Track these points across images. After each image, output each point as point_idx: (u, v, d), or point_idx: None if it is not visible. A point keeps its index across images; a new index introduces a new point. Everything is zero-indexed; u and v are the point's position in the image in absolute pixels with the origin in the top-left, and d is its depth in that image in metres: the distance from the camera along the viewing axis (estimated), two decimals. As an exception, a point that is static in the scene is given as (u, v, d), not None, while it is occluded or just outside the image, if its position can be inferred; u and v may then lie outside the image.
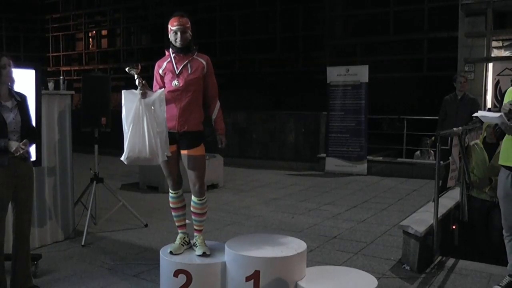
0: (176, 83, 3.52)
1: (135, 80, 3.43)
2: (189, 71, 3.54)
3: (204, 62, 3.61)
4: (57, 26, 25.32)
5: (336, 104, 10.24)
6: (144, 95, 3.40)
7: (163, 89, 3.52)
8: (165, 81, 3.60)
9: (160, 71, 3.61)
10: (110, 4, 23.10)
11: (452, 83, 7.25)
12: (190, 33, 3.56)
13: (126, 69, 3.42)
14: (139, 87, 3.42)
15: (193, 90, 3.55)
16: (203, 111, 3.66)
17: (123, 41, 23.24)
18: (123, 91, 3.44)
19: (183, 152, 3.60)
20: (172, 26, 3.52)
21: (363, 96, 9.94)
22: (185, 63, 3.55)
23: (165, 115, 3.43)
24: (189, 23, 3.55)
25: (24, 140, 3.39)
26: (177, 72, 3.53)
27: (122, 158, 3.41)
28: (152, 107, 3.38)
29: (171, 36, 3.55)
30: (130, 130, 3.36)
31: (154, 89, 3.63)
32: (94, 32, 24.54)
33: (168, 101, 3.53)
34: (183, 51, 3.55)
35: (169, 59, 3.61)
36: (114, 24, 23.50)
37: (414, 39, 15.13)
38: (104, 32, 24.27)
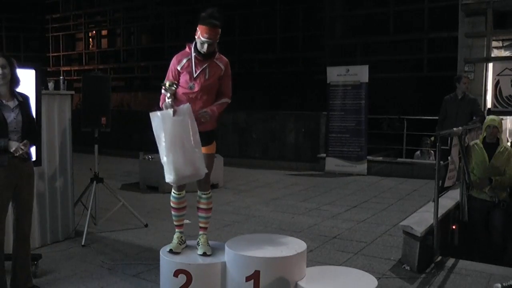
0: (192, 86, 3.49)
1: (167, 97, 3.38)
2: (206, 76, 3.50)
3: (222, 67, 3.56)
4: (57, 26, 25.32)
5: (336, 104, 10.24)
6: (175, 112, 3.35)
7: (188, 104, 3.42)
8: (180, 79, 3.55)
9: (179, 67, 3.54)
10: (110, 4, 23.10)
11: (452, 83, 7.24)
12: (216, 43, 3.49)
13: (167, 84, 3.37)
14: (170, 105, 3.37)
15: (207, 94, 3.53)
16: None
17: (123, 41, 23.24)
18: (150, 114, 3.37)
19: None
20: (202, 36, 3.40)
21: (363, 96, 9.94)
22: (204, 66, 3.50)
23: (197, 127, 3.38)
24: (220, 32, 3.45)
25: (25, 141, 3.39)
26: (194, 76, 3.49)
27: (168, 180, 3.35)
28: (185, 122, 3.32)
29: (197, 41, 3.45)
30: (170, 152, 3.28)
31: (166, 79, 3.57)
32: (94, 32, 24.54)
33: (182, 103, 3.48)
34: (205, 56, 3.50)
35: (189, 57, 3.53)
36: (114, 24, 23.50)
37: (414, 39, 15.14)
38: (104, 32, 24.27)
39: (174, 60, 3.57)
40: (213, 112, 3.53)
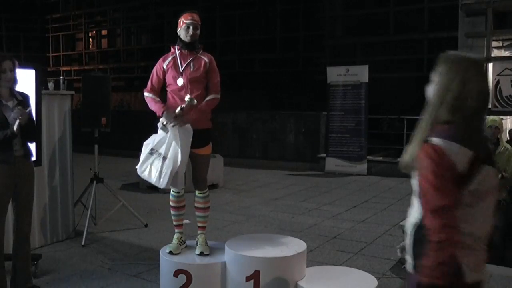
0: (180, 81, 3.52)
1: (182, 109, 3.35)
2: (192, 69, 3.54)
3: (207, 60, 3.61)
4: (57, 26, 25.35)
5: (336, 104, 10.24)
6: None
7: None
8: (166, 76, 3.59)
9: (164, 65, 3.59)
10: (110, 4, 23.11)
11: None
12: (199, 32, 3.58)
13: (189, 99, 3.36)
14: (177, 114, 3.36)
15: (196, 88, 3.53)
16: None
17: (123, 41, 23.26)
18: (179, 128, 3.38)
19: (193, 150, 3.59)
20: (186, 20, 3.53)
21: (363, 96, 9.94)
22: (189, 60, 3.56)
23: (190, 123, 3.41)
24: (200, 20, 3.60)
25: (19, 107, 3.36)
26: (181, 69, 3.53)
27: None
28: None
29: (181, 31, 3.55)
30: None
31: (153, 81, 3.61)
32: (94, 32, 24.57)
33: (173, 101, 3.52)
34: (189, 47, 3.56)
35: (174, 55, 3.61)
36: (114, 24, 23.52)
37: (414, 39, 15.15)
38: (104, 32, 24.29)
39: (160, 60, 3.65)
40: (201, 106, 3.48)
